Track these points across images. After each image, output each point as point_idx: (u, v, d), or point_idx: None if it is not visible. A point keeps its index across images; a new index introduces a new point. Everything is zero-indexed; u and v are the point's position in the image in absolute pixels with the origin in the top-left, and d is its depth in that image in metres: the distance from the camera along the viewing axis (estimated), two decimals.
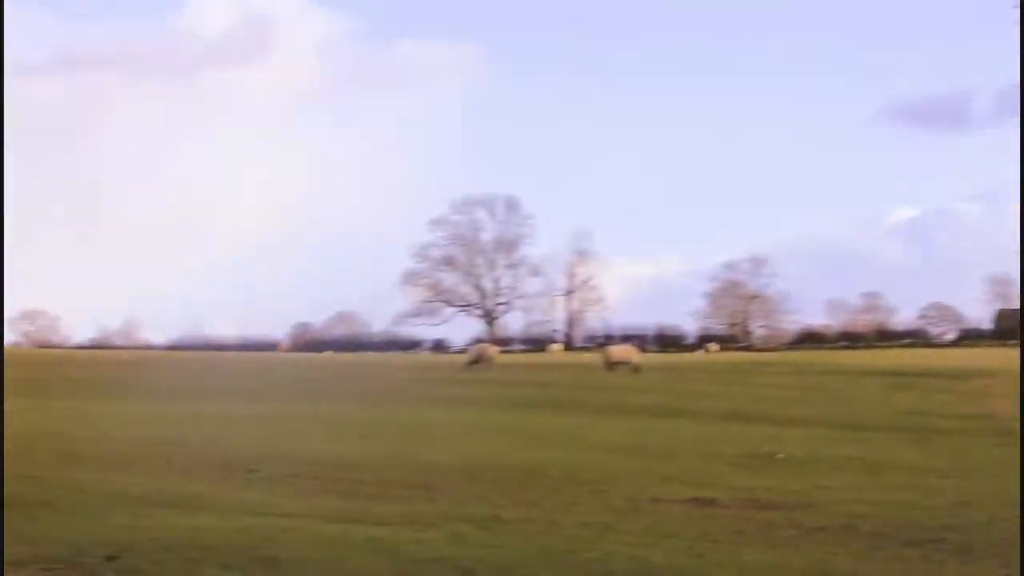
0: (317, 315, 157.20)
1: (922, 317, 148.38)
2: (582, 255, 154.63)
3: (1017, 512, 15.16)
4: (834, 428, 31.36)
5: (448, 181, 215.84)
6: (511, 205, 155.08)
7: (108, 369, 54.79)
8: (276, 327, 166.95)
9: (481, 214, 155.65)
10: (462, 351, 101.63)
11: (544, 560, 12.17)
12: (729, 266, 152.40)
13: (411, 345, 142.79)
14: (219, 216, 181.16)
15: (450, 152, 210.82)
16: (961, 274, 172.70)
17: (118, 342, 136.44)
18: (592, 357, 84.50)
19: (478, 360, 68.85)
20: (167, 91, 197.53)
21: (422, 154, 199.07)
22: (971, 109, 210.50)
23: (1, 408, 18.14)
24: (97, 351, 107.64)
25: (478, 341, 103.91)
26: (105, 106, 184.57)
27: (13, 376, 49.04)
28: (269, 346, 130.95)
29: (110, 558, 11.72)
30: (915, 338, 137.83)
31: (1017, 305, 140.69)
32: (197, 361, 63.09)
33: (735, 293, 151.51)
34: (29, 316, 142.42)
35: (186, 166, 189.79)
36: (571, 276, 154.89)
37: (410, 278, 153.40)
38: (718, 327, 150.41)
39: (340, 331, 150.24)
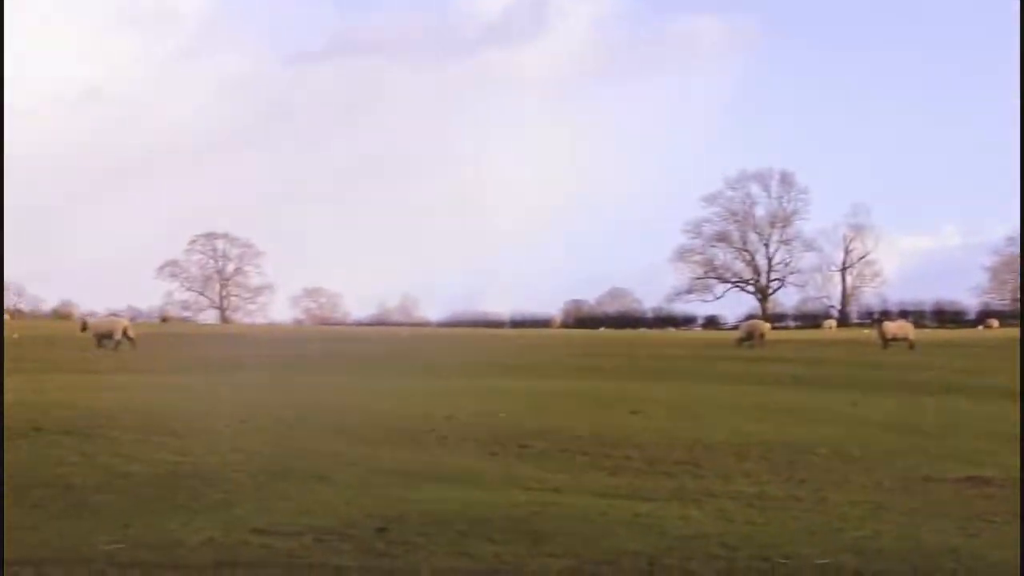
0: (590, 291, 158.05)
1: None
2: (858, 229, 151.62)
3: None
4: None
5: (722, 156, 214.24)
6: (785, 180, 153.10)
7: (385, 345, 56.13)
8: (549, 304, 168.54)
9: (755, 189, 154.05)
10: (734, 328, 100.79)
11: (811, 538, 11.99)
12: (1012, 240, 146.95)
13: (684, 321, 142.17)
14: (494, 194, 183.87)
15: (724, 127, 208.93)
16: None
17: (396, 319, 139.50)
18: (867, 333, 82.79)
19: (749, 337, 68.26)
20: (443, 73, 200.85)
21: (696, 130, 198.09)
22: None
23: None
24: (375, 328, 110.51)
25: (749, 318, 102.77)
26: (382, 90, 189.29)
27: (294, 353, 50.81)
28: (542, 322, 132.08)
29: (380, 530, 12.02)
30: None
31: None
32: (471, 337, 64.09)
33: (1018, 268, 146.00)
34: (311, 294, 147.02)
35: (462, 146, 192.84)
36: (847, 251, 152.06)
37: (683, 254, 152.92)
38: (1000, 303, 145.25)
39: (613, 307, 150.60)
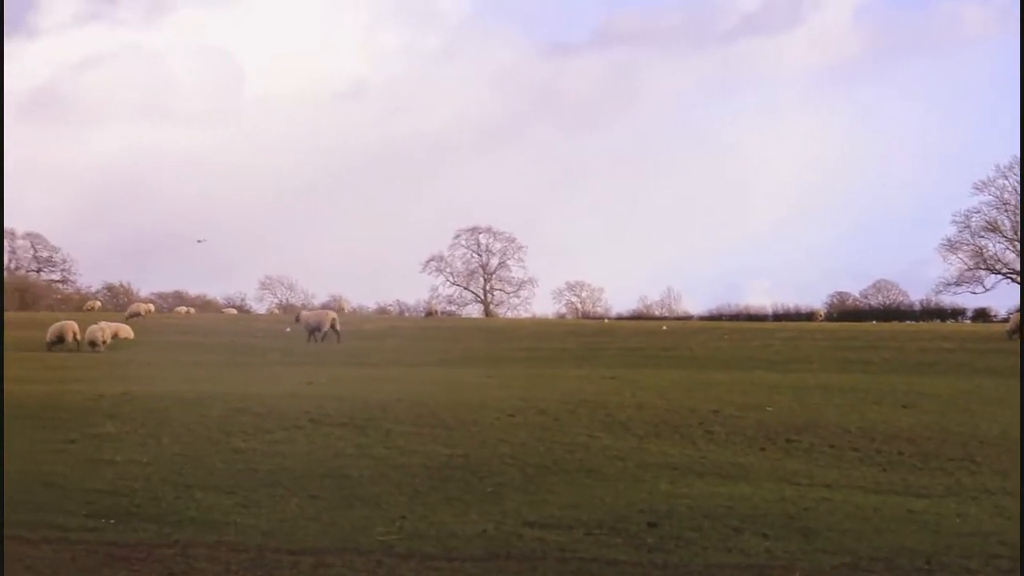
0: (854, 284, 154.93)
1: None
2: None
3: None
4: None
5: (991, 143, 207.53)
6: None
7: (647, 338, 56.10)
8: (812, 297, 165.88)
9: None
10: (1004, 320, 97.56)
11: None
12: None
13: (952, 314, 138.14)
14: (755, 186, 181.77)
15: (991, 112, 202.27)
16: None
17: (657, 313, 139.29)
18: None
19: (1016, 329, 65.97)
20: (701, 64, 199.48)
21: (961, 115, 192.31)
22: None
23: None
24: (637, 321, 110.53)
25: (1020, 310, 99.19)
26: (640, 81, 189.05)
27: (558, 346, 51.19)
28: (805, 316, 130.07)
29: (651, 524, 12.05)
30: None
31: None
32: (733, 330, 63.60)
33: None
34: (573, 288, 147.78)
35: (721, 138, 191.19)
36: None
37: (951, 245, 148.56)
38: None
39: (878, 300, 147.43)
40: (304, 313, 60.27)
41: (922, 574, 9.87)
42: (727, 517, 12.35)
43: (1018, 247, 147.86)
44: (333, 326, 52.57)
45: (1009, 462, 17.17)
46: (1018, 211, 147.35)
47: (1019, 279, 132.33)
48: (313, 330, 52.53)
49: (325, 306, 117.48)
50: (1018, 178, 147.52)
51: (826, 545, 11.08)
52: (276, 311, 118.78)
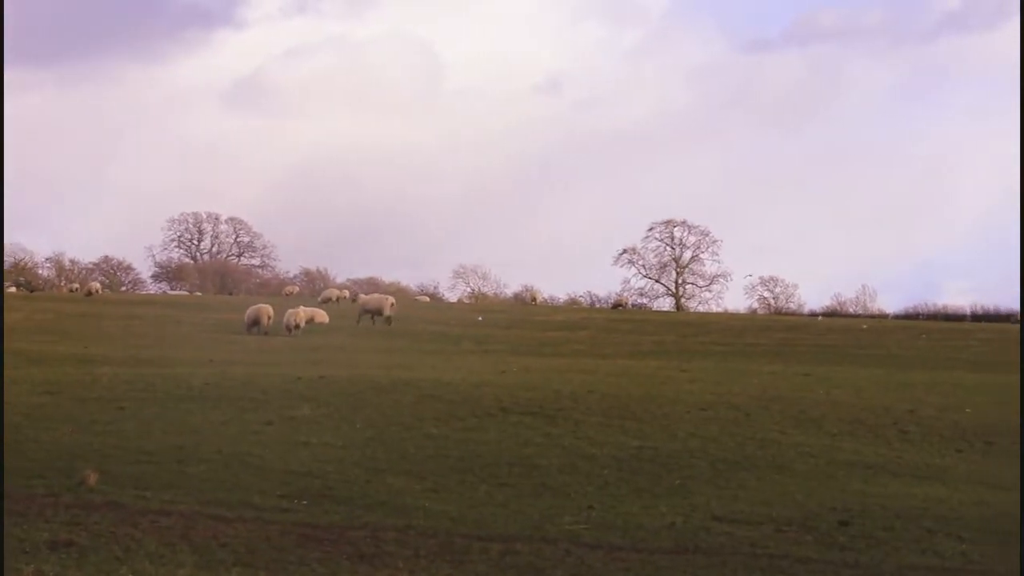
0: None
1: None
2: None
3: None
4: None
5: None
6: None
7: (842, 336, 55.22)
8: (1011, 297, 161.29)
9: None
10: None
11: None
12: None
13: None
14: (956, 186, 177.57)
15: None
16: None
17: (851, 310, 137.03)
18: None
19: None
20: (901, 61, 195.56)
21: None
22: None
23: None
24: (831, 318, 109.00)
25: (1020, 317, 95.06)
26: (839, 78, 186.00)
27: (750, 341, 50.70)
28: (1005, 316, 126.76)
29: (842, 523, 11.88)
30: None
31: None
32: (930, 330, 62.21)
33: None
34: (766, 283, 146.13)
35: (922, 136, 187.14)
36: None
37: None
38: None
39: None
40: (363, 296, 60.63)
41: None
42: (921, 518, 12.13)
43: None
44: (389, 312, 52.64)
45: None
46: None
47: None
48: (373, 313, 52.69)
49: (518, 296, 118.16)
50: None
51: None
52: (467, 300, 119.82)
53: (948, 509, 12.76)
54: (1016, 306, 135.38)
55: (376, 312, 52.93)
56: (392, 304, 53.74)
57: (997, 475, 15.64)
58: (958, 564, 10.35)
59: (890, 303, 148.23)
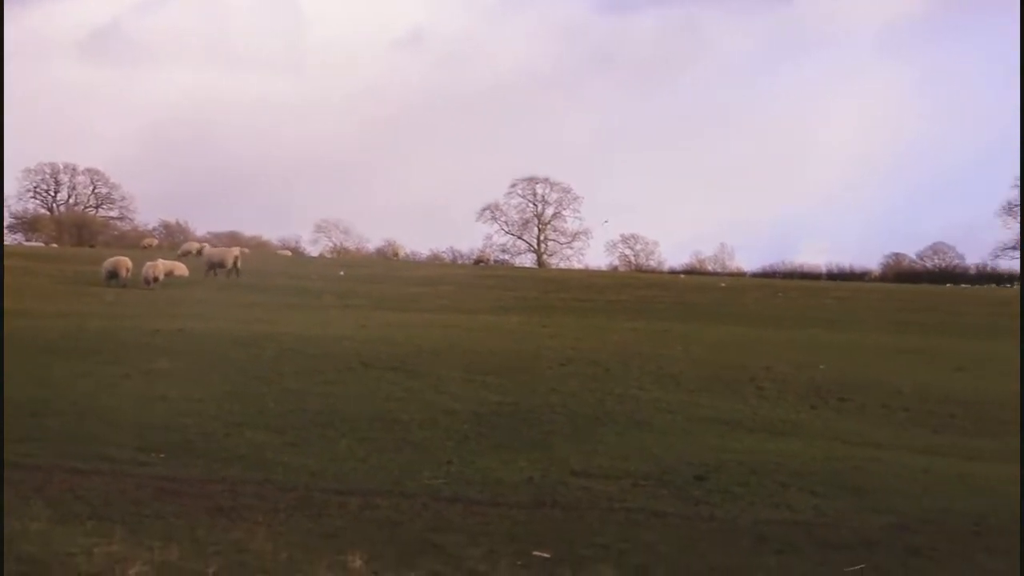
0: (910, 246, 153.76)
1: None
2: None
3: None
4: None
5: None
6: None
7: (701, 294, 55.86)
8: (867, 257, 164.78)
9: None
10: None
11: None
12: None
13: (1008, 279, 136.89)
14: (814, 147, 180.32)
15: None
16: None
17: (710, 268, 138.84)
18: None
19: None
20: (760, 22, 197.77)
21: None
22: None
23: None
24: (690, 276, 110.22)
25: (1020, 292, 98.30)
26: (699, 40, 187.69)
27: (611, 298, 51.08)
28: (859, 275, 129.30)
29: (698, 478, 12.03)
30: None
31: None
32: (787, 288, 63.20)
33: None
34: (628, 241, 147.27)
35: (780, 96, 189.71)
36: None
37: (1011, 208, 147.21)
38: None
39: (934, 262, 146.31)
40: (208, 249, 60.40)
41: (971, 536, 9.79)
42: (775, 473, 12.32)
43: None
44: (235, 264, 52.31)
45: None
46: None
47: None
48: (218, 266, 52.36)
49: (380, 251, 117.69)
50: None
51: (875, 504, 11.02)
52: (328, 255, 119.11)
53: (801, 464, 12.98)
54: (871, 265, 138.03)
55: (220, 265, 52.43)
56: (236, 257, 53.21)
57: (849, 430, 15.98)
58: (810, 517, 10.52)
59: (748, 262, 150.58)
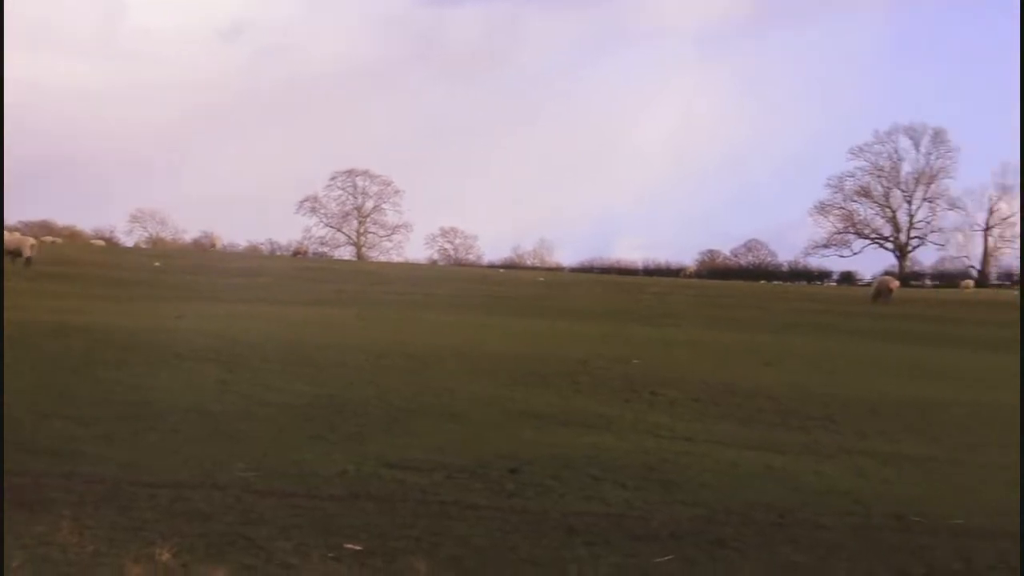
0: (725, 242, 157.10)
1: None
2: (1005, 190, 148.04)
3: None
4: None
5: (869, 111, 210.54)
6: (937, 136, 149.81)
7: (520, 288, 56.29)
8: (683, 253, 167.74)
9: (904, 144, 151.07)
10: (868, 284, 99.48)
11: (943, 497, 11.86)
12: None
13: (819, 276, 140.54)
14: (632, 141, 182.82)
15: (874, 81, 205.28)
16: None
17: (530, 263, 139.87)
18: (1006, 294, 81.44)
19: (878, 293, 67.67)
20: (582, 20, 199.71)
21: (843, 82, 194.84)
22: None
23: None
24: (510, 270, 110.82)
25: (886, 274, 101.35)
26: (521, 35, 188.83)
27: (430, 291, 51.15)
28: (675, 271, 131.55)
29: (512, 471, 12.11)
30: None
31: None
32: (605, 283, 63.99)
33: None
34: (447, 234, 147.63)
35: (602, 93, 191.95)
36: (991, 211, 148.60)
37: (823, 208, 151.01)
38: None
39: (748, 259, 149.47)
40: (7, 236, 59.92)
41: (775, 528, 10.01)
42: (587, 466, 12.45)
43: (888, 212, 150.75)
44: (30, 253, 51.74)
45: (867, 422, 17.53)
46: (891, 177, 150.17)
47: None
48: (13, 255, 51.76)
49: (197, 242, 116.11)
50: (896, 145, 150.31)
51: (684, 497, 11.21)
52: (144, 245, 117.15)
53: (613, 457, 13.14)
54: (687, 261, 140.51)
55: (16, 253, 51.45)
56: (32, 245, 52.28)
57: (661, 424, 16.20)
58: (621, 510, 10.65)
59: (567, 256, 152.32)
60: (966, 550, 9.23)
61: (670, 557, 8.68)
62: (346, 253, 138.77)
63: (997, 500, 11.83)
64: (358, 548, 8.70)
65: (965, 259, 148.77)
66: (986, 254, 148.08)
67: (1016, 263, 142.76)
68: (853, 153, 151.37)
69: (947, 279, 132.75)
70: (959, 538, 9.76)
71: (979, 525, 10.40)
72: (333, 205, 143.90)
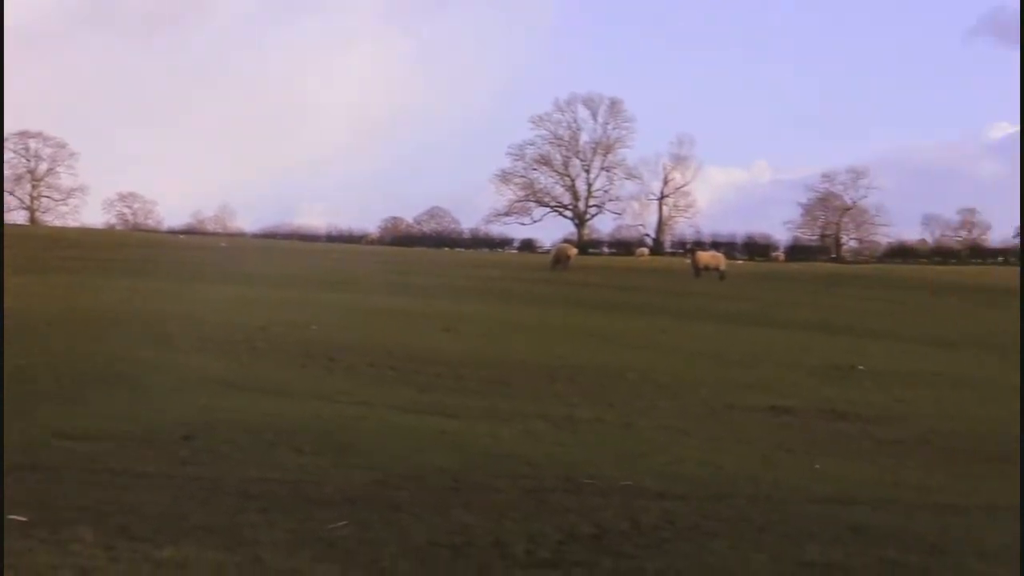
0: (408, 210, 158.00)
1: (1017, 235, 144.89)
2: (679, 160, 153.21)
3: None
4: (917, 342, 31.08)
5: (552, 81, 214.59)
6: (614, 107, 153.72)
7: (201, 253, 55.36)
8: (367, 220, 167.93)
9: (583, 114, 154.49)
10: (548, 251, 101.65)
11: (616, 461, 12.19)
12: (828, 176, 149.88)
13: (500, 243, 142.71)
14: (315, 107, 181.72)
15: (554, 52, 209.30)
16: None
17: (211, 229, 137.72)
18: (679, 262, 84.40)
19: (557, 260, 69.19)
20: None
21: (524, 52, 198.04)
22: None
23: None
24: (191, 236, 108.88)
25: (564, 242, 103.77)
26: None
27: (108, 257, 49.80)
28: (358, 238, 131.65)
29: (185, 438, 11.91)
30: (1009, 256, 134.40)
31: None
32: (287, 250, 63.52)
33: (830, 204, 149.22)
34: (126, 199, 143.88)
35: (284, 57, 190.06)
36: (665, 181, 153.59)
37: (504, 176, 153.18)
38: (810, 237, 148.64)
39: (431, 227, 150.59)
40: None
41: (449, 492, 10.10)
42: (264, 432, 12.34)
43: (567, 181, 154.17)
44: None
45: (542, 387, 17.92)
46: (570, 146, 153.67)
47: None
48: None
49: None
50: (575, 114, 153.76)
51: (359, 461, 11.21)
52: None
53: (289, 423, 13.06)
54: (370, 228, 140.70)
55: None
56: None
57: (338, 390, 16.20)
58: (297, 476, 10.58)
59: (249, 223, 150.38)
60: (634, 510, 9.49)
61: (344, 523, 8.68)
62: (19, 217, 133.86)
63: (665, 462, 12.24)
64: (23, 520, 8.41)
65: (641, 227, 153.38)
66: (661, 223, 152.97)
67: (688, 231, 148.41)
68: (534, 122, 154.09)
69: (624, 247, 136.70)
70: (627, 499, 10.03)
71: (647, 486, 10.71)
72: (4, 168, 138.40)
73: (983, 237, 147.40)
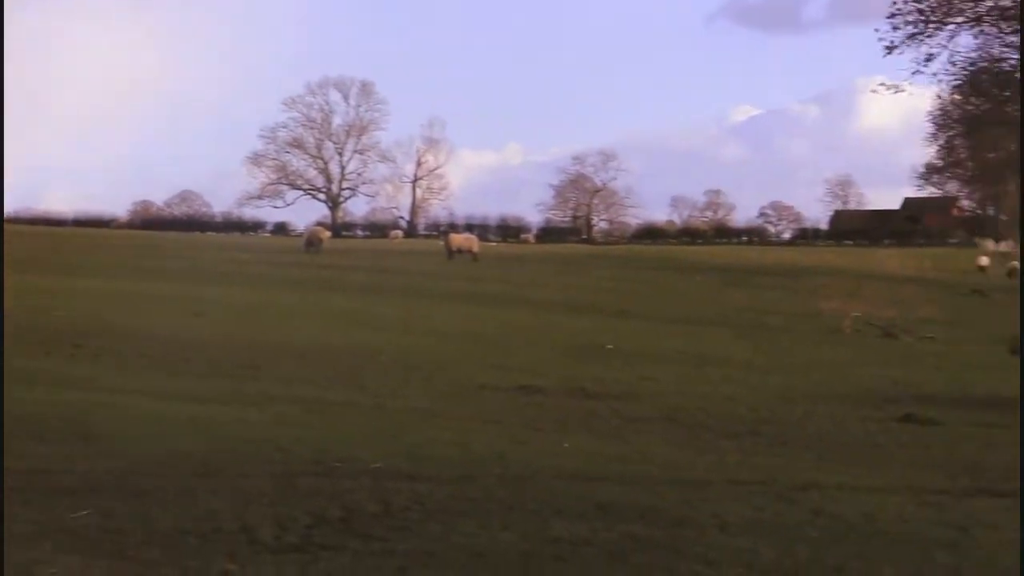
0: (160, 194, 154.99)
1: (761, 215, 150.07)
2: (431, 143, 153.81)
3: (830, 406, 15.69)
4: (665, 321, 31.90)
5: (305, 63, 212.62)
6: (365, 89, 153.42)
7: None
8: (115, 204, 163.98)
9: (335, 97, 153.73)
10: (301, 234, 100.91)
11: (367, 443, 12.18)
12: (578, 159, 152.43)
13: (253, 227, 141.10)
14: (59, 86, 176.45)
15: (306, 33, 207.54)
16: (800, 174, 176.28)
17: None
18: (433, 245, 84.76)
19: (311, 243, 68.84)
20: None
21: (277, 34, 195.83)
22: (806, 12, 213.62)
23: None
24: None
25: (318, 224, 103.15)
26: None
27: None
28: (107, 222, 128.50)
29: None
30: (753, 236, 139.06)
31: (854, 207, 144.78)
32: (30, 234, 61.66)
33: (580, 186, 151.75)
34: None
35: (28, 34, 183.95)
36: (419, 163, 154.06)
37: (256, 159, 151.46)
38: (562, 219, 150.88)
39: (182, 210, 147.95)
40: None
41: (197, 478, 9.95)
42: (5, 423, 11.96)
43: (320, 164, 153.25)
44: None
45: (293, 370, 17.84)
46: (323, 129, 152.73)
47: None
48: None
49: None
50: (327, 97, 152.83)
51: (104, 450, 10.97)
52: None
53: (34, 412, 12.48)
54: (119, 212, 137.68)
55: None
56: None
57: (83, 377, 15.82)
58: (40, 466, 10.24)
59: None
60: (384, 492, 9.50)
61: (87, 512, 8.50)
62: None
63: (415, 443, 12.27)
64: None
65: (395, 210, 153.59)
66: (414, 205, 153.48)
67: (442, 214, 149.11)
68: (286, 104, 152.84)
69: (378, 230, 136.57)
70: (378, 481, 10.03)
71: (398, 468, 10.73)
72: None
73: (728, 217, 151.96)
